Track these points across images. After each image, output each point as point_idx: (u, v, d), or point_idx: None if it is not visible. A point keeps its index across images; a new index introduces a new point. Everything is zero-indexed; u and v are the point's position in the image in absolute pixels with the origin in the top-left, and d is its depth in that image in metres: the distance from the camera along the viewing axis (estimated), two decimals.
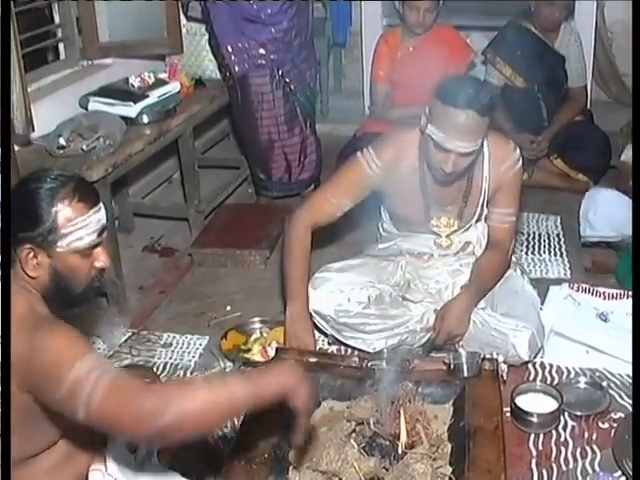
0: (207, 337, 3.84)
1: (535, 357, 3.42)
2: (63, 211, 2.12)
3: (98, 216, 2.20)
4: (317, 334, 3.71)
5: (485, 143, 3.24)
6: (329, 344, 3.67)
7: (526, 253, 4.52)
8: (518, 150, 3.36)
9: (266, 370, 2.39)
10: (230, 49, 4.88)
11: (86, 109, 4.35)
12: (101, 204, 2.24)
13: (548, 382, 3.32)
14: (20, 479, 2.16)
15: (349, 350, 3.55)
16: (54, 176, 2.17)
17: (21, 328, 2.01)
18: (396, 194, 3.44)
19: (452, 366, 3.06)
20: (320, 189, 3.67)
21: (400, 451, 2.66)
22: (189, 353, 3.73)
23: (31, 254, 2.11)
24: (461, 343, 3.39)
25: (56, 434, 2.22)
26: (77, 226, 2.14)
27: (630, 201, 3.96)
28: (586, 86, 5.59)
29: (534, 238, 4.71)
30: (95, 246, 2.22)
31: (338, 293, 3.44)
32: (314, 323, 3.58)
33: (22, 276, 2.15)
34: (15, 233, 2.12)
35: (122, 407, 1.95)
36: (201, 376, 2.44)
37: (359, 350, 3.47)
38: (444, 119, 2.97)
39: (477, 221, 3.49)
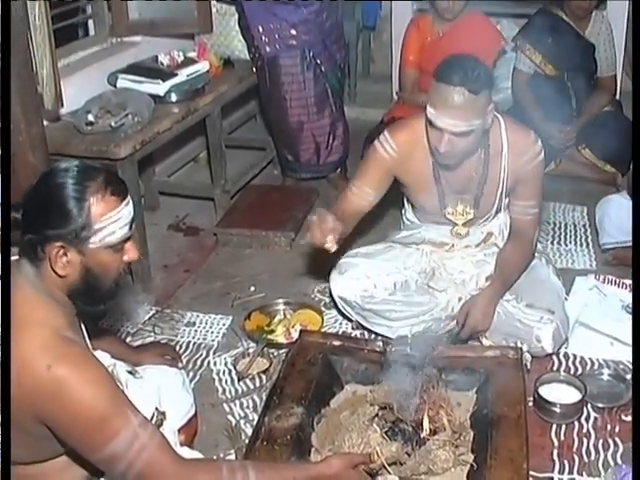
0: (230, 317, 3.85)
1: (559, 349, 3.42)
2: (95, 206, 2.03)
3: (129, 208, 2.13)
4: (340, 319, 3.72)
5: (504, 133, 3.23)
6: (353, 329, 3.67)
7: (552, 243, 4.50)
8: (540, 142, 3.28)
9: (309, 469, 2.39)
10: (261, 29, 4.87)
11: (114, 86, 4.35)
12: (129, 196, 2.16)
13: (572, 373, 3.32)
14: (27, 476, 2.16)
15: (373, 335, 3.55)
16: (81, 168, 2.07)
17: (42, 355, 1.94)
18: (411, 182, 3.42)
19: None
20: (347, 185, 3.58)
21: (422, 437, 2.66)
22: (212, 333, 3.75)
23: (61, 252, 2.02)
24: (486, 334, 3.39)
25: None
26: (110, 220, 2.05)
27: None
28: (615, 76, 5.53)
29: (560, 228, 4.69)
30: (126, 240, 2.15)
31: (364, 279, 3.44)
32: (338, 309, 3.64)
33: (49, 276, 2.06)
34: (42, 230, 2.01)
35: None
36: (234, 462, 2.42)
37: (383, 336, 3.46)
38: (437, 96, 2.96)
39: (497, 212, 3.46)
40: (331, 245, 3.01)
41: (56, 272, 2.05)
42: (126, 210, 2.11)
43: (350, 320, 3.65)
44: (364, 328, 3.59)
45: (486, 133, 3.16)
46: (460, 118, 2.94)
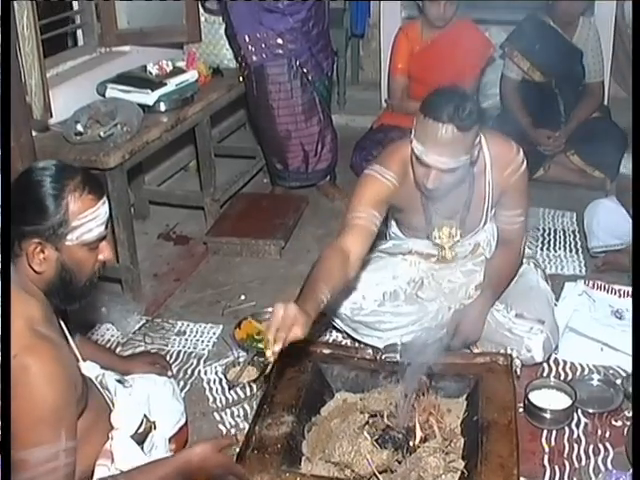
0: (221, 326, 3.86)
1: (549, 358, 3.43)
2: (73, 203, 2.10)
3: (105, 208, 2.20)
4: (330, 326, 3.72)
5: (486, 148, 3.13)
6: (343, 338, 3.67)
7: (541, 249, 4.50)
8: (521, 152, 3.20)
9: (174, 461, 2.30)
10: (247, 39, 4.87)
11: (103, 96, 4.35)
12: (105, 196, 2.22)
13: (562, 378, 3.32)
14: None
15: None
16: (60, 167, 2.14)
17: (14, 345, 1.98)
18: (401, 205, 3.33)
19: None
20: (344, 216, 3.13)
21: (413, 444, 2.67)
22: (203, 341, 3.75)
23: (38, 248, 2.08)
24: (477, 344, 3.40)
25: None
26: (87, 218, 2.12)
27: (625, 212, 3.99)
28: (603, 82, 5.53)
29: (549, 234, 4.69)
30: (101, 239, 2.21)
31: (353, 291, 3.42)
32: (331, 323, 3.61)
33: (25, 272, 2.12)
34: (20, 226, 2.07)
35: None
36: None
37: (373, 346, 3.43)
38: (424, 132, 2.82)
39: (484, 224, 3.42)
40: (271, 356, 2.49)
41: (33, 268, 2.10)
42: (102, 209, 2.18)
43: (340, 331, 3.65)
44: (354, 340, 3.58)
45: (471, 164, 3.04)
46: (448, 155, 2.83)
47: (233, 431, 3.10)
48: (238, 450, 2.72)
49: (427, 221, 3.35)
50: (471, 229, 3.40)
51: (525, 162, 3.21)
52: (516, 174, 3.19)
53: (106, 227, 2.21)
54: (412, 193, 3.22)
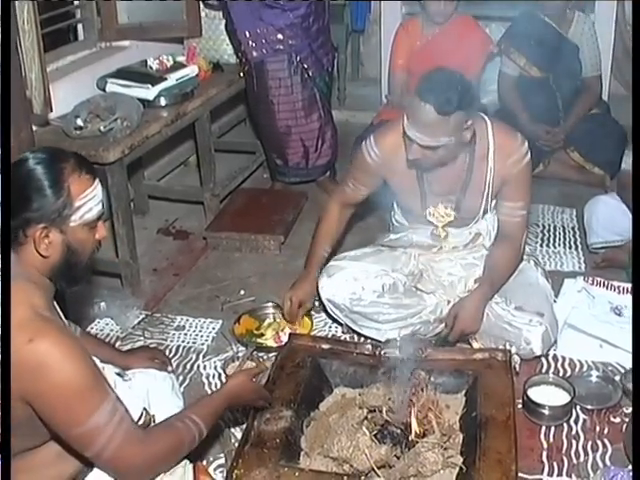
0: (220, 321, 3.86)
1: (548, 351, 3.42)
2: (74, 185, 2.13)
3: (100, 187, 2.25)
4: (330, 322, 3.73)
5: (491, 135, 3.22)
6: (343, 332, 3.68)
7: (541, 245, 4.51)
8: (526, 144, 3.26)
9: (222, 393, 2.56)
10: (247, 34, 4.87)
11: (104, 90, 4.35)
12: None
13: (560, 375, 3.32)
14: (18, 471, 2.16)
15: (362, 338, 3.55)
16: (52, 152, 2.19)
17: (23, 330, 1.98)
18: (396, 183, 3.43)
19: None
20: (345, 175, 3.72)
21: (411, 439, 2.66)
22: (202, 336, 3.75)
23: (44, 233, 2.10)
24: (475, 337, 3.40)
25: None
26: (87, 198, 2.17)
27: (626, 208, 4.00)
28: (600, 76, 5.52)
29: (549, 230, 4.69)
30: (100, 217, 2.25)
31: (352, 281, 3.45)
32: (327, 313, 3.64)
33: (31, 260, 2.13)
34: (24, 214, 2.09)
35: (130, 460, 2.12)
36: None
37: (372, 339, 3.46)
38: (411, 107, 2.99)
39: (485, 213, 3.45)
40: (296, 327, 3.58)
41: (40, 254, 2.13)
42: (99, 188, 2.24)
43: (339, 324, 3.66)
44: (353, 331, 3.60)
45: (462, 145, 3.13)
46: (427, 134, 2.96)
47: (232, 426, 3.10)
48: (237, 446, 2.72)
49: (422, 198, 3.40)
50: (470, 215, 3.44)
51: (529, 154, 3.26)
52: (519, 164, 3.24)
53: (103, 205, 2.26)
54: (408, 171, 3.33)
